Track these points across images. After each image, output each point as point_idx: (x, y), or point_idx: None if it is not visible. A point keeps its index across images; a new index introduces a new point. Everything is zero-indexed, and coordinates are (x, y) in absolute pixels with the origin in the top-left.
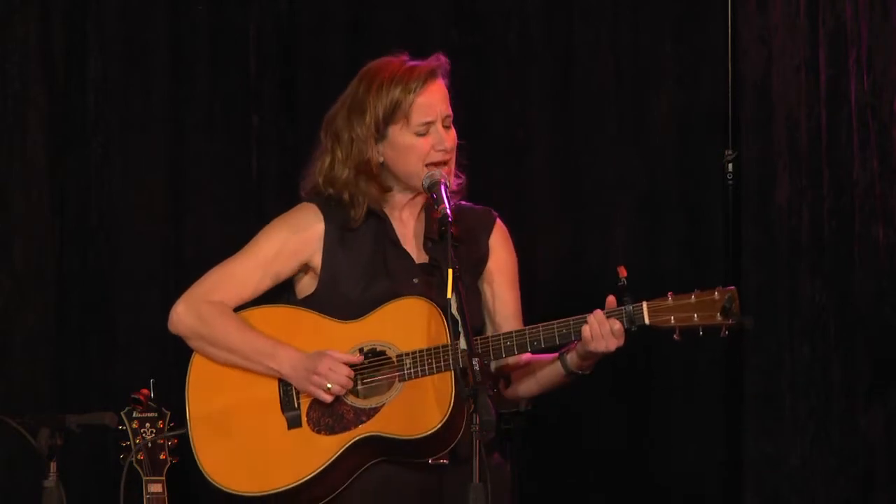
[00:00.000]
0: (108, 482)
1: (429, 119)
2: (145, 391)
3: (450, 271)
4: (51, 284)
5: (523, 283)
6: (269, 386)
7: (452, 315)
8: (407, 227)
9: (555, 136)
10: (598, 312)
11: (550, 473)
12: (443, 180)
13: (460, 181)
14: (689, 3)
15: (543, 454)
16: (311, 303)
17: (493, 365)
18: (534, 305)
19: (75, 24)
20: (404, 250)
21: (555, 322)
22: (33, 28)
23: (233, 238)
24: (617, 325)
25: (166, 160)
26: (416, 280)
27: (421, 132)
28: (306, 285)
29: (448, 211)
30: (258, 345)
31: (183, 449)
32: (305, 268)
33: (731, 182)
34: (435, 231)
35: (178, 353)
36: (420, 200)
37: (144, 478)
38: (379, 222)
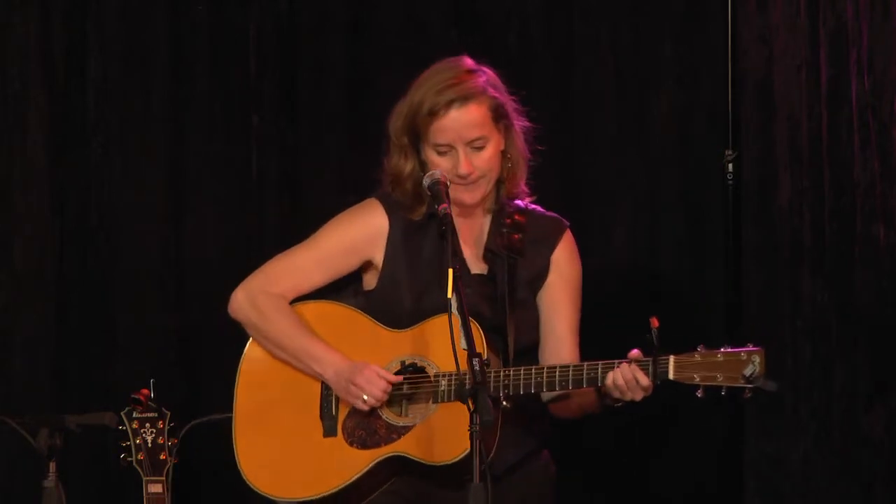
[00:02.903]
0: (108, 482)
1: (444, 142)
2: (145, 391)
3: (450, 271)
4: (51, 284)
5: None
6: (312, 388)
7: (454, 315)
8: (470, 232)
9: (555, 136)
10: (625, 366)
11: None
12: (443, 180)
13: (532, 199)
14: (689, 3)
15: None
16: (371, 299)
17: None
18: None
19: (75, 24)
20: (461, 258)
21: (584, 364)
22: (33, 28)
23: (233, 238)
24: (645, 381)
25: (166, 160)
26: (468, 290)
27: (441, 151)
28: (369, 280)
29: (448, 210)
30: (307, 346)
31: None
32: (367, 264)
33: (731, 182)
34: (497, 243)
35: (178, 354)
36: (486, 208)
37: (144, 478)
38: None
